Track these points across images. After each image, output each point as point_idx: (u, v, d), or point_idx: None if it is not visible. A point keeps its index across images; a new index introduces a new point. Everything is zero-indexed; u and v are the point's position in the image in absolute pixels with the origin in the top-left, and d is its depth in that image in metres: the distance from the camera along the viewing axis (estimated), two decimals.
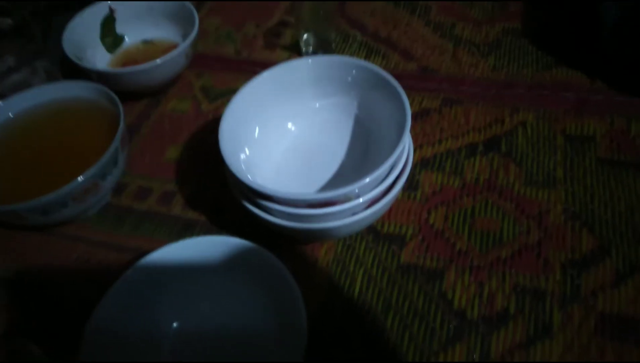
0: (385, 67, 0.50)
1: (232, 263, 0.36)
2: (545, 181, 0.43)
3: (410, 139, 0.39)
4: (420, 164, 0.46)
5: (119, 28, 0.58)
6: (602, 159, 0.44)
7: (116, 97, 0.45)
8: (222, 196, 0.45)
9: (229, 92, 0.55)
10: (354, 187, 0.33)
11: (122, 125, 0.42)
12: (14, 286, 0.41)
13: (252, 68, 0.57)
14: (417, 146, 0.47)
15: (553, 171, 0.44)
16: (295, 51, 0.59)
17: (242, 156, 0.40)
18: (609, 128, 0.46)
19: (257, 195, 0.35)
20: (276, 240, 0.41)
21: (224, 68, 0.59)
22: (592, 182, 0.42)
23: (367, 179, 0.33)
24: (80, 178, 0.39)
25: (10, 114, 0.47)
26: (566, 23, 0.56)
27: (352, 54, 0.58)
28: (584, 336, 0.34)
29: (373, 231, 0.41)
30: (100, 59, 0.56)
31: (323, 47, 0.57)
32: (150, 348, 0.35)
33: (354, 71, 0.40)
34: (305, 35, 0.57)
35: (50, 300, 0.40)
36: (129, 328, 0.34)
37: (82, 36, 0.54)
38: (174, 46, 0.54)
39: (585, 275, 0.37)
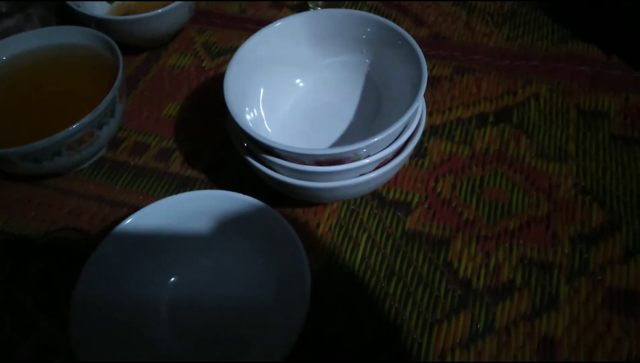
0: None
1: (233, 220, 0.35)
2: (556, 154, 0.42)
3: (424, 103, 0.38)
4: (430, 131, 0.44)
5: None
6: (616, 136, 0.43)
7: (116, 45, 0.42)
8: (222, 154, 0.44)
9: (232, 50, 0.53)
10: (364, 145, 0.31)
11: (121, 74, 0.40)
12: (1, 237, 0.40)
13: (256, 27, 0.54)
14: (427, 114, 0.45)
15: (565, 145, 0.42)
16: (303, 10, 0.57)
17: (247, 110, 0.38)
18: (624, 104, 0.45)
19: (261, 149, 0.34)
20: (278, 200, 0.40)
21: (227, 25, 0.56)
22: (604, 157, 0.41)
23: (378, 138, 0.32)
24: (75, 125, 0.37)
25: (2, 57, 0.45)
26: None
27: None
28: (590, 309, 0.34)
29: (378, 197, 0.40)
30: (99, 8, 0.54)
31: (332, 7, 0.55)
32: (147, 305, 0.34)
33: (368, 28, 0.38)
34: None
35: (41, 252, 0.38)
36: (122, 284, 0.33)
37: None
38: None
39: (594, 249, 0.36)
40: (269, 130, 0.40)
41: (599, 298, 0.34)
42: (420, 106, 0.36)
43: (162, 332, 0.33)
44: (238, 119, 0.33)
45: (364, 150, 0.32)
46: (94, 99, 0.39)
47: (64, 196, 0.42)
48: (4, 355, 0.31)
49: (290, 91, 0.42)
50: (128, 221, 0.34)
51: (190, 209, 0.35)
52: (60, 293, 0.32)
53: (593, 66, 0.48)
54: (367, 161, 0.33)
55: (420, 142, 0.43)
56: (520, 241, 0.37)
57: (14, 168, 0.39)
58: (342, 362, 0.33)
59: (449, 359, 0.32)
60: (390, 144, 0.34)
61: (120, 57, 0.41)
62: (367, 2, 0.57)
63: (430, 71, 0.49)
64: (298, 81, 0.43)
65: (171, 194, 0.41)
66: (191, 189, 0.42)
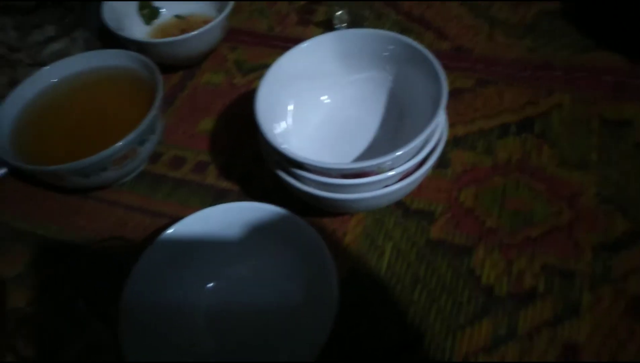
0: None
1: (265, 230, 0.37)
2: (578, 163, 0.43)
3: (446, 115, 0.39)
4: (453, 142, 0.46)
5: (156, 1, 0.59)
6: (639, 144, 0.43)
7: (155, 65, 0.46)
8: (254, 167, 0.46)
9: (262, 67, 0.55)
10: (387, 159, 0.33)
11: (160, 93, 0.43)
12: (55, 244, 0.43)
13: (284, 44, 0.57)
14: (450, 125, 0.46)
15: (587, 154, 0.43)
16: (328, 27, 0.59)
17: (276, 127, 0.41)
18: None
19: (291, 164, 0.36)
20: (307, 210, 0.42)
21: (256, 43, 0.59)
22: (627, 167, 0.42)
23: (401, 152, 0.33)
24: (120, 143, 0.40)
25: (53, 80, 0.48)
26: (606, 4, 0.55)
27: None
28: (613, 317, 0.34)
29: (402, 207, 0.42)
30: (137, 30, 0.57)
31: (356, 24, 0.57)
32: (186, 309, 0.36)
33: (390, 45, 0.40)
34: (338, 12, 0.57)
35: (91, 259, 0.41)
36: (164, 289, 0.36)
37: (120, 7, 0.55)
38: (208, 21, 0.54)
39: (617, 258, 0.37)
40: (297, 143, 0.42)
41: (621, 306, 0.35)
42: (441, 119, 0.38)
43: (201, 335, 0.35)
44: (268, 136, 0.36)
45: (388, 163, 0.34)
46: (135, 118, 0.42)
47: (110, 207, 0.46)
48: (57, 353, 0.34)
49: (317, 107, 0.45)
50: (170, 230, 0.37)
51: (225, 220, 0.38)
52: (109, 296, 0.35)
53: (616, 75, 0.49)
54: (390, 173, 0.34)
55: (443, 153, 0.44)
56: (542, 250, 0.38)
57: (64, 182, 0.42)
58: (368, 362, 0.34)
59: None
60: (413, 156, 0.35)
61: (160, 78, 0.45)
62: (391, 17, 0.59)
63: (452, 83, 0.50)
64: (324, 97, 0.45)
65: (207, 205, 0.43)
66: (226, 200, 0.44)
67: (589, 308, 0.35)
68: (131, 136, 0.40)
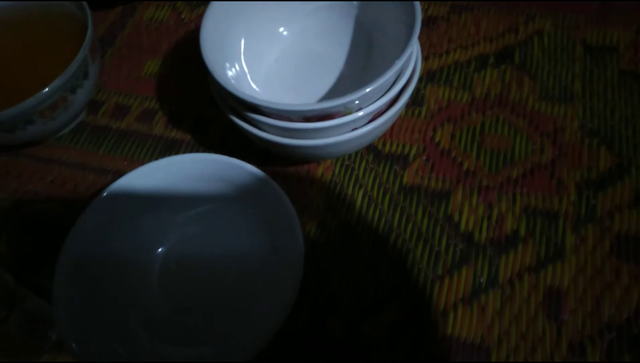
0: None
1: (222, 184, 0.33)
2: (561, 95, 0.39)
3: (419, 47, 0.35)
4: (426, 77, 0.41)
5: None
6: (625, 72, 0.40)
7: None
8: (208, 113, 0.42)
9: None
10: (355, 97, 0.29)
11: (90, 31, 0.37)
12: None
13: None
14: (423, 58, 0.42)
15: (571, 85, 0.40)
16: None
17: (228, 65, 0.36)
18: (634, 37, 0.42)
19: (245, 107, 0.31)
20: (268, 160, 0.38)
21: None
22: (613, 96, 0.39)
23: (370, 89, 0.29)
24: (45, 90, 0.34)
25: None
26: None
27: None
28: (598, 258, 0.32)
29: (374, 151, 0.38)
30: None
31: None
32: (136, 271, 0.32)
33: None
34: None
35: (25, 225, 0.37)
36: (108, 252, 0.32)
37: None
38: None
39: (602, 195, 0.35)
40: (254, 86, 0.37)
41: (606, 246, 0.33)
42: (414, 50, 0.33)
43: (154, 298, 0.32)
44: (218, 76, 0.31)
45: (356, 102, 0.30)
46: (65, 62, 0.36)
47: (46, 165, 0.40)
48: None
49: (274, 41, 0.39)
50: (111, 187, 0.32)
51: (175, 174, 0.34)
52: (44, 266, 0.31)
53: None
54: (359, 114, 0.30)
55: (417, 89, 0.41)
56: (524, 190, 0.35)
57: None
58: (341, 322, 0.32)
59: (451, 316, 0.31)
60: (384, 94, 0.31)
61: (89, 12, 0.38)
62: None
63: (424, 11, 0.45)
64: (281, 29, 0.39)
65: (156, 158, 0.39)
66: (177, 152, 0.40)
67: (572, 251, 0.33)
68: (58, 83, 0.35)
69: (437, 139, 0.38)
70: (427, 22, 0.45)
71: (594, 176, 0.35)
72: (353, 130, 0.32)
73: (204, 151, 0.40)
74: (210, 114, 0.41)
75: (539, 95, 0.40)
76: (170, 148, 0.40)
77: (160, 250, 0.34)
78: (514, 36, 0.43)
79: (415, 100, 0.40)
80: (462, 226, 0.34)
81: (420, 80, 0.41)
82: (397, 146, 0.38)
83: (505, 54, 0.42)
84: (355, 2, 0.37)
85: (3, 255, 0.33)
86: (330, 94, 0.37)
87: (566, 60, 0.41)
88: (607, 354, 0.29)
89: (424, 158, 0.38)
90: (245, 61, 0.37)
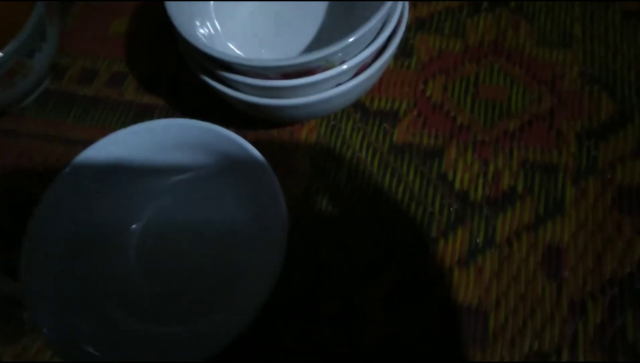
0: None
1: (199, 151, 0.31)
2: (560, 40, 0.37)
3: None
4: (415, 25, 0.38)
5: None
6: (629, 13, 0.37)
7: None
8: (182, 75, 0.39)
9: None
10: (337, 48, 0.26)
11: None
12: None
13: None
14: (411, 4, 0.39)
15: (570, 28, 0.37)
16: None
17: (199, 24, 0.33)
18: None
19: (219, 66, 0.29)
20: (248, 124, 0.35)
21: None
22: (614, 40, 0.36)
23: (353, 38, 0.26)
24: None
25: None
26: None
27: None
28: (599, 211, 0.31)
29: (361, 108, 0.36)
30: None
31: None
32: (112, 244, 0.31)
33: None
34: None
35: None
36: (80, 226, 0.30)
37: None
38: None
39: (604, 145, 0.33)
40: (230, 45, 0.34)
41: (608, 199, 0.31)
42: None
43: (133, 276, 0.30)
44: (186, 33, 0.28)
45: (339, 55, 0.27)
46: (20, 24, 0.33)
47: (11, 138, 0.38)
48: None
49: None
50: (78, 158, 0.30)
51: (149, 142, 0.31)
52: (13, 246, 0.29)
53: None
54: (343, 67, 0.28)
55: (405, 39, 0.38)
56: (521, 144, 0.33)
57: None
58: (332, 292, 0.30)
59: (447, 280, 0.30)
60: (369, 44, 0.29)
61: None
62: None
63: None
64: None
65: (128, 125, 0.36)
66: (150, 118, 0.37)
67: (572, 205, 0.31)
68: (11, 46, 0.31)
69: (428, 93, 0.36)
70: None
71: (595, 125, 0.33)
72: (337, 86, 0.29)
73: (179, 117, 0.37)
74: (185, 77, 0.38)
75: (537, 41, 0.37)
76: (143, 114, 0.37)
77: (136, 223, 0.32)
78: None
79: (404, 51, 0.37)
80: (457, 184, 0.32)
81: (408, 29, 0.38)
82: (386, 102, 0.36)
83: None
84: None
85: None
86: (311, 48, 0.35)
87: (565, 2, 0.38)
88: (609, 310, 0.28)
89: (415, 113, 0.35)
90: (216, 18, 0.34)
